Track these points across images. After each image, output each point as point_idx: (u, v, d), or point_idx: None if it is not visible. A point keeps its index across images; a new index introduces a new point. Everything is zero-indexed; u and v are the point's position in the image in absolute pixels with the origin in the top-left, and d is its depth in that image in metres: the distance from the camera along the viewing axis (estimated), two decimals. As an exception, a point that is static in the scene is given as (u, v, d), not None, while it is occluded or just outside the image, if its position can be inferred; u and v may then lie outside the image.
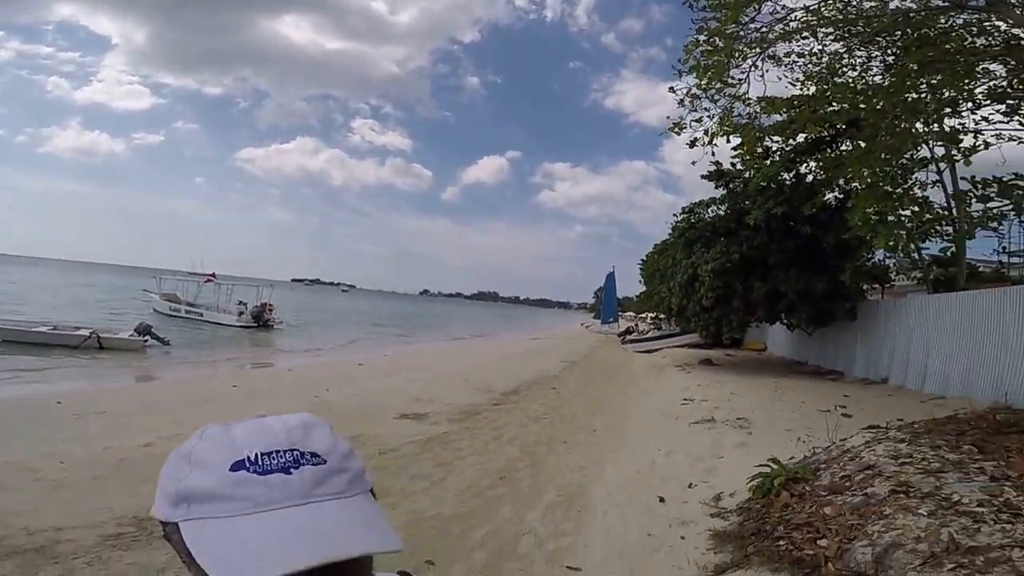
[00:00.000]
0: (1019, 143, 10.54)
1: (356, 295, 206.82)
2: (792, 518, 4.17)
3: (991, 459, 4.42)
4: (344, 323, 45.08)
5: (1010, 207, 11.31)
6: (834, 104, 11.21)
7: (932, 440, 4.96)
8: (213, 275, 36.37)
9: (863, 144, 11.68)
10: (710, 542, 4.42)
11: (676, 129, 10.58)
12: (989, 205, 11.87)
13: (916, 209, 13.85)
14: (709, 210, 19.69)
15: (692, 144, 10.57)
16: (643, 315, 54.15)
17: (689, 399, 11.76)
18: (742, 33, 9.54)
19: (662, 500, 5.61)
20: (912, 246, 14.24)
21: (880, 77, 11.21)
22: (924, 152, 13.42)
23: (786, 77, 11.23)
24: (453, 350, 26.68)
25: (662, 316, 33.76)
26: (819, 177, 15.75)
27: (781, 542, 3.93)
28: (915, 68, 9.61)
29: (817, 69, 11.31)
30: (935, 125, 12.56)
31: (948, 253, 14.74)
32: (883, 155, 11.58)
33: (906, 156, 12.99)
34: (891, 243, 12.39)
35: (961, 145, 12.28)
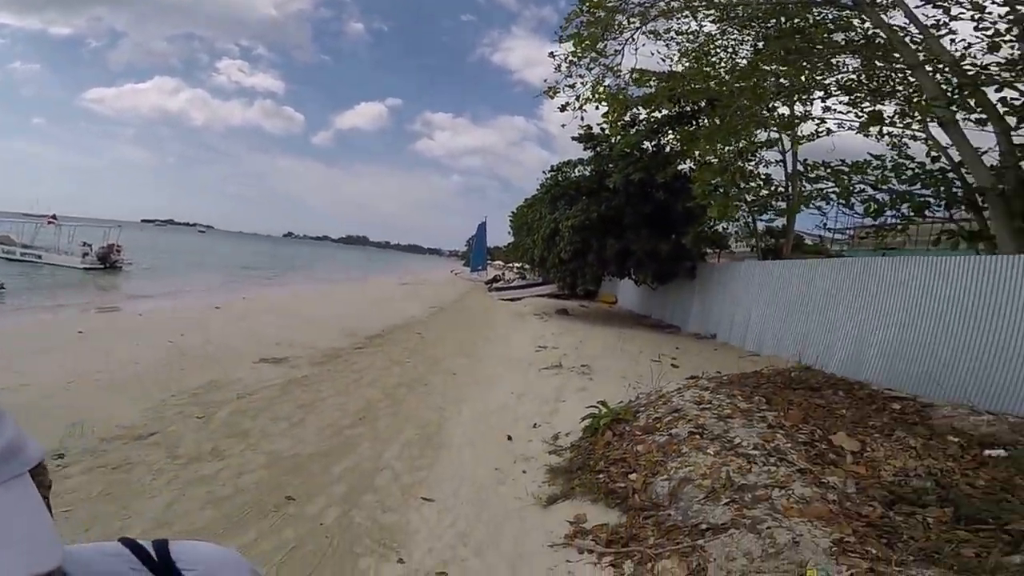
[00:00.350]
0: (856, 133, 11.80)
1: (214, 236, 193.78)
2: (611, 454, 4.78)
3: (774, 410, 5.14)
4: (200, 265, 42.05)
5: (835, 189, 12.90)
6: (694, 84, 12.08)
7: (730, 390, 5.80)
8: (54, 216, 33.72)
9: (718, 121, 12.77)
10: (546, 476, 4.98)
11: (551, 93, 11.04)
12: (817, 186, 13.44)
13: (755, 184, 15.44)
14: (576, 170, 20.53)
15: (563, 108, 11.09)
16: (510, 264, 55.62)
17: (543, 346, 12.48)
18: (623, 7, 10.01)
19: (510, 438, 6.17)
20: (750, 216, 15.81)
21: (747, 61, 12.20)
22: (771, 134, 14.81)
23: (660, 52, 11.96)
24: (316, 294, 25.97)
25: (527, 266, 34.99)
26: (676, 149, 16.95)
27: (600, 476, 4.48)
28: (781, 55, 10.48)
29: (692, 47, 12.11)
30: (784, 109, 13.92)
31: (780, 225, 16.47)
32: (728, 134, 12.73)
33: (748, 137, 14.33)
34: (721, 212, 13.76)
35: (803, 131, 13.72)
